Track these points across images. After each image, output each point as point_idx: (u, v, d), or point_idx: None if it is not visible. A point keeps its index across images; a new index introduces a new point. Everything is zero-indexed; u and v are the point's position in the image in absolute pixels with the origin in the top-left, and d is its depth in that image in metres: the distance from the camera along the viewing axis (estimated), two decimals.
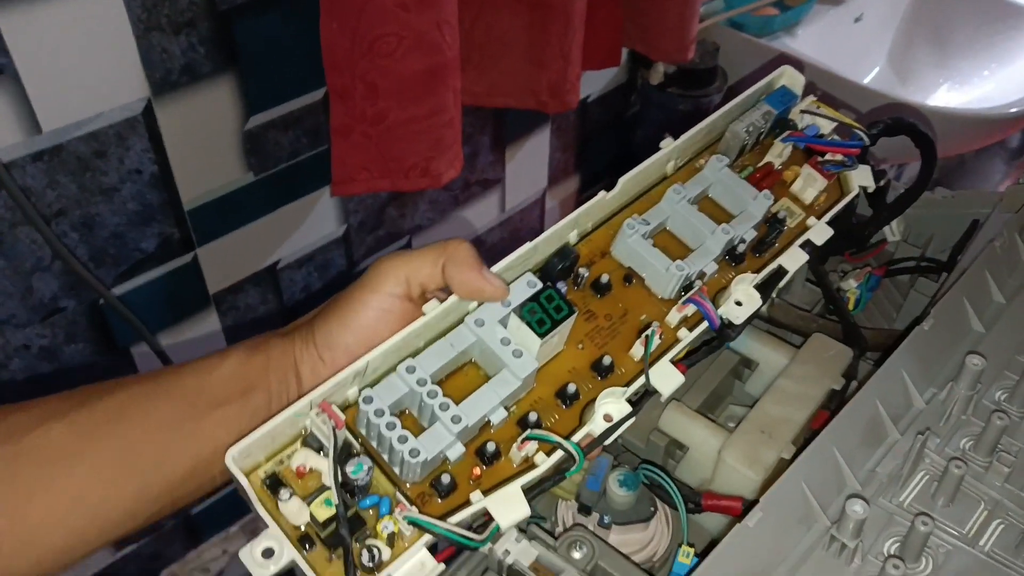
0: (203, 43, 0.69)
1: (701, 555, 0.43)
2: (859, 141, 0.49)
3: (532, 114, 1.08)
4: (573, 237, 0.43)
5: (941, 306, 0.49)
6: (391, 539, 0.34)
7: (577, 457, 0.36)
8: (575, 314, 0.39)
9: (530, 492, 0.35)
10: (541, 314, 0.38)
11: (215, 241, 0.80)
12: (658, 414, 0.53)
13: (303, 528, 0.34)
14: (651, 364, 0.39)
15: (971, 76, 1.39)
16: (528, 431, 0.36)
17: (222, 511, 0.99)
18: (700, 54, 1.14)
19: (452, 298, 0.38)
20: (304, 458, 0.35)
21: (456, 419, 0.35)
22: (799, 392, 0.51)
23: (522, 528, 0.44)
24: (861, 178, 0.50)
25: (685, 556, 0.42)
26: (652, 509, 0.48)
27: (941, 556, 0.38)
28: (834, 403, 0.53)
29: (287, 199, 0.84)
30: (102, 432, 0.35)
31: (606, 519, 0.47)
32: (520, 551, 0.42)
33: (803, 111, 0.52)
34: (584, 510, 0.47)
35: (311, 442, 0.36)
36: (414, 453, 0.34)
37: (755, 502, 0.46)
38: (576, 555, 0.43)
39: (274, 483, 0.34)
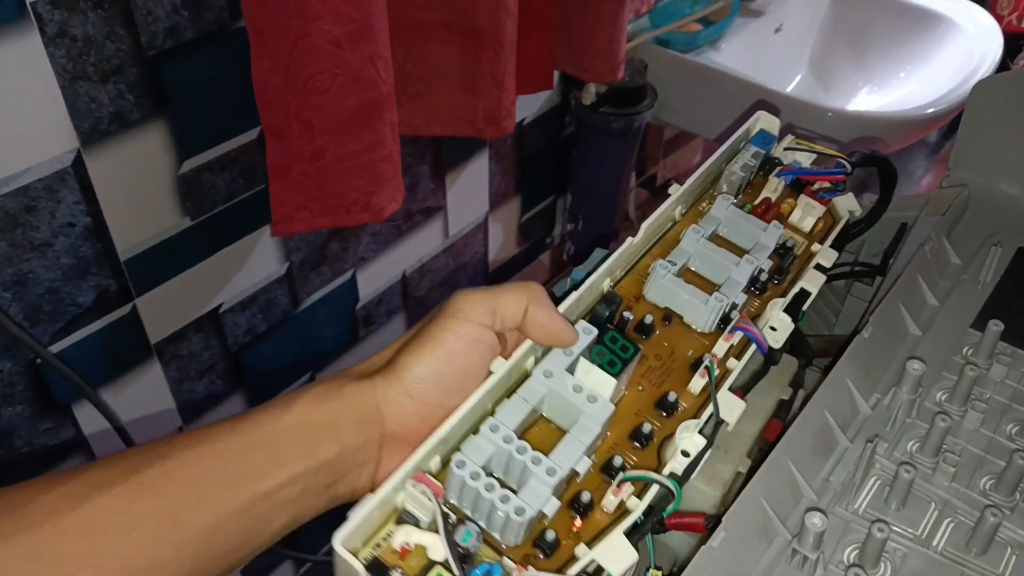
0: (132, 90, 0.68)
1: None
2: (842, 168, 0.53)
3: (470, 140, 1.08)
4: (606, 285, 0.45)
5: (878, 313, 0.50)
6: None
7: (675, 492, 0.36)
8: (640, 351, 0.40)
9: (631, 536, 0.35)
10: (610, 355, 0.39)
11: (154, 290, 0.78)
12: None
13: None
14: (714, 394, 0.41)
15: (889, 79, 1.45)
16: (622, 474, 0.37)
17: None
18: (629, 73, 1.16)
19: (519, 351, 0.38)
20: (406, 535, 0.33)
21: (551, 471, 0.35)
22: (750, 404, 0.52)
23: None
24: (847, 204, 0.53)
25: None
26: None
27: (898, 559, 0.39)
28: (784, 412, 0.54)
29: (226, 242, 0.83)
30: (152, 502, 0.32)
31: None
32: None
33: (787, 148, 0.56)
34: None
35: (406, 518, 0.34)
36: (520, 511, 0.34)
37: (717, 517, 0.47)
38: None
39: (378, 569, 0.33)
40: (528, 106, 1.16)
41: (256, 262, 0.87)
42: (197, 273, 0.81)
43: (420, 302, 1.16)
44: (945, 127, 1.87)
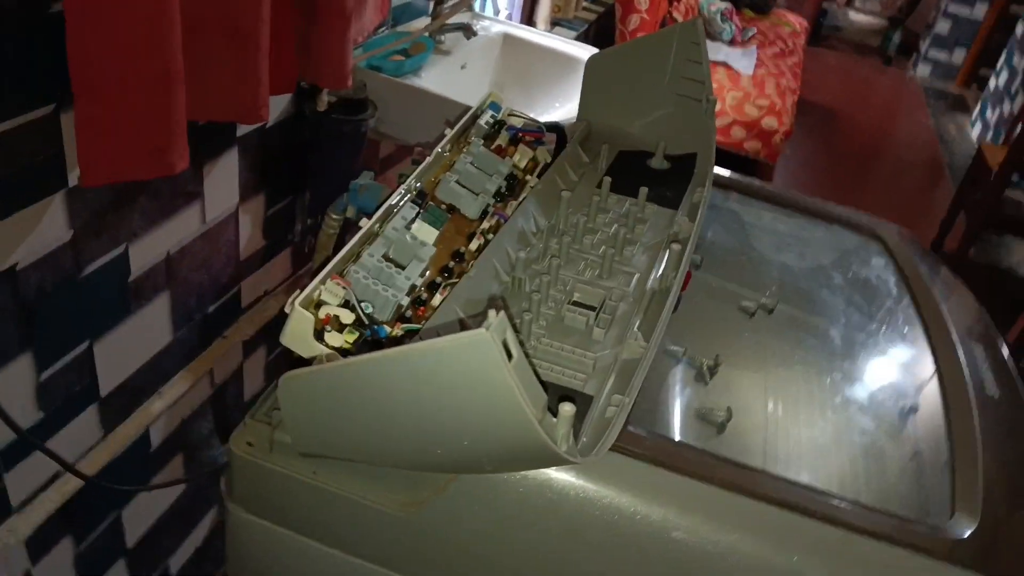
0: None
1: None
2: (540, 130, 0.89)
3: (222, 137, 1.27)
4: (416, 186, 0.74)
5: (544, 181, 0.82)
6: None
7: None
8: (450, 217, 0.71)
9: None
10: (432, 219, 0.69)
11: None
12: None
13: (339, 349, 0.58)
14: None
15: (549, 107, 1.88)
16: (443, 283, 0.67)
17: None
18: (354, 87, 1.43)
19: (377, 213, 0.66)
20: (327, 310, 0.58)
21: (408, 277, 0.63)
22: None
23: None
24: (544, 154, 0.88)
25: None
26: None
27: (569, 286, 0.70)
28: None
29: (21, 205, 0.93)
30: None
31: None
32: None
33: (510, 115, 0.91)
34: None
35: (322, 303, 0.59)
36: (395, 295, 0.61)
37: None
38: None
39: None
40: (270, 112, 1.37)
41: (45, 227, 0.98)
42: None
43: (182, 283, 1.29)
44: None
